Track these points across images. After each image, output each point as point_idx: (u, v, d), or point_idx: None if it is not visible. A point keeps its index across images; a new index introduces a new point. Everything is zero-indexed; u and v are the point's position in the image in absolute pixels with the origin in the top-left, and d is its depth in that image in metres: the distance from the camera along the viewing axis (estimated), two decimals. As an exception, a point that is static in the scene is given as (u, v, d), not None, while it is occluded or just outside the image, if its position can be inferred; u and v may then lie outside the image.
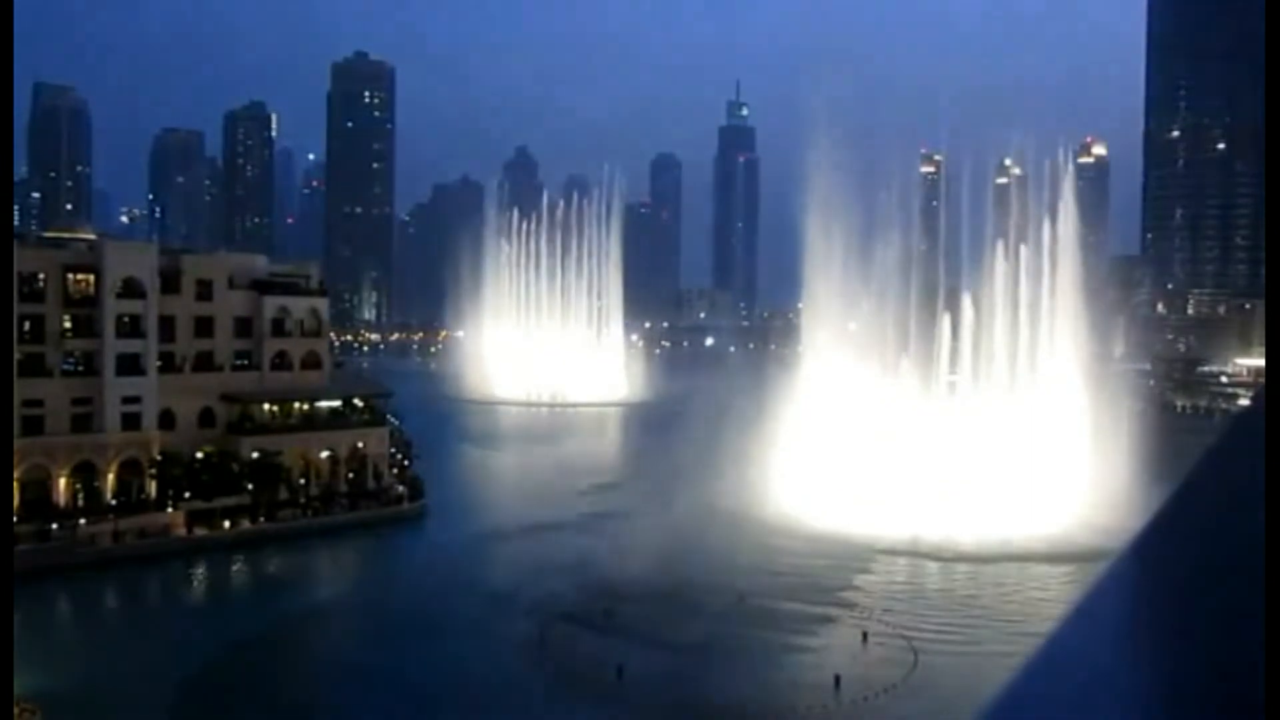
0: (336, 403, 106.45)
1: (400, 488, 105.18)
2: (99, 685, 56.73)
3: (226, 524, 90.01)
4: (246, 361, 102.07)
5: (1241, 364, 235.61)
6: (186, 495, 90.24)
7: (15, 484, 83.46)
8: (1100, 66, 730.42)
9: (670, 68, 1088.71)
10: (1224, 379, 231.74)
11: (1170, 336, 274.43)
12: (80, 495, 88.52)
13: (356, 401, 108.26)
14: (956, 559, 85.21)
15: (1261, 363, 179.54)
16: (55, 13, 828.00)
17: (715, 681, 58.52)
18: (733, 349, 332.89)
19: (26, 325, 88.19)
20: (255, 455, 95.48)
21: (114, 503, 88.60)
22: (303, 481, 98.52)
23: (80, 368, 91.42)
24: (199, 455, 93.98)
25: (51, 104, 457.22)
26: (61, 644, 66.39)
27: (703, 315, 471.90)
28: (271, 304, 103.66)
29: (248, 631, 67.46)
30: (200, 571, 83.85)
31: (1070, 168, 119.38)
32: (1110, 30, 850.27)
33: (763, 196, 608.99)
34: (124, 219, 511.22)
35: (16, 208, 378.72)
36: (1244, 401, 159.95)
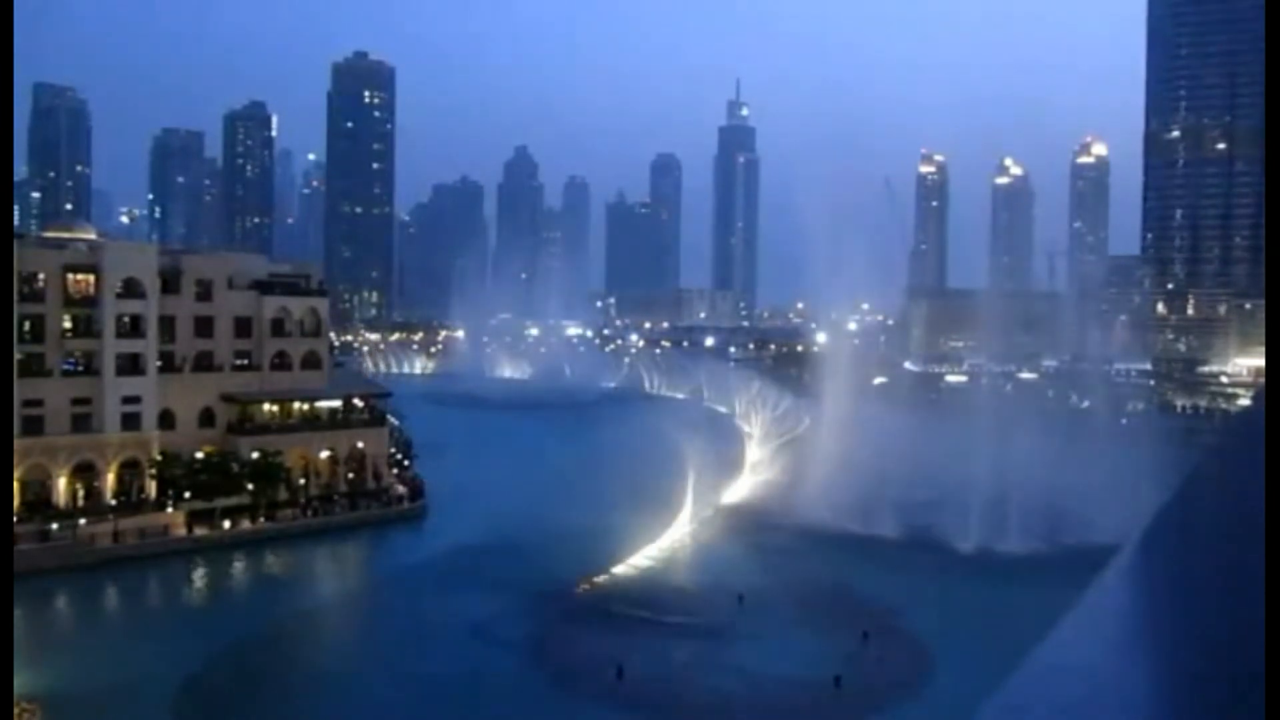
0: (336, 403, 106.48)
1: (400, 487, 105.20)
2: (99, 685, 56.69)
3: (226, 524, 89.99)
4: (246, 361, 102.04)
5: (1241, 364, 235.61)
6: (186, 495, 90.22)
7: (15, 484, 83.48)
8: (1100, 66, 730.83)
9: (670, 68, 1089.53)
10: (1224, 379, 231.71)
11: (1170, 336, 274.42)
12: (80, 495, 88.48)
13: (356, 401, 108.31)
14: (956, 561, 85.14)
15: (1261, 363, 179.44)
16: (55, 13, 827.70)
17: (715, 681, 58.58)
18: (733, 349, 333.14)
19: (26, 325, 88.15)
20: (255, 455, 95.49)
21: (114, 503, 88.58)
22: (303, 481, 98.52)
23: (80, 368, 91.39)
24: (199, 455, 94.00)
25: (51, 104, 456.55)
26: (61, 644, 66.35)
27: (703, 315, 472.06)
28: (271, 304, 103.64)
29: (248, 632, 67.46)
30: (200, 571, 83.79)
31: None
32: (1110, 30, 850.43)
33: (763, 196, 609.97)
34: (124, 219, 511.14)
35: (16, 208, 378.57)
36: (1244, 401, 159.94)
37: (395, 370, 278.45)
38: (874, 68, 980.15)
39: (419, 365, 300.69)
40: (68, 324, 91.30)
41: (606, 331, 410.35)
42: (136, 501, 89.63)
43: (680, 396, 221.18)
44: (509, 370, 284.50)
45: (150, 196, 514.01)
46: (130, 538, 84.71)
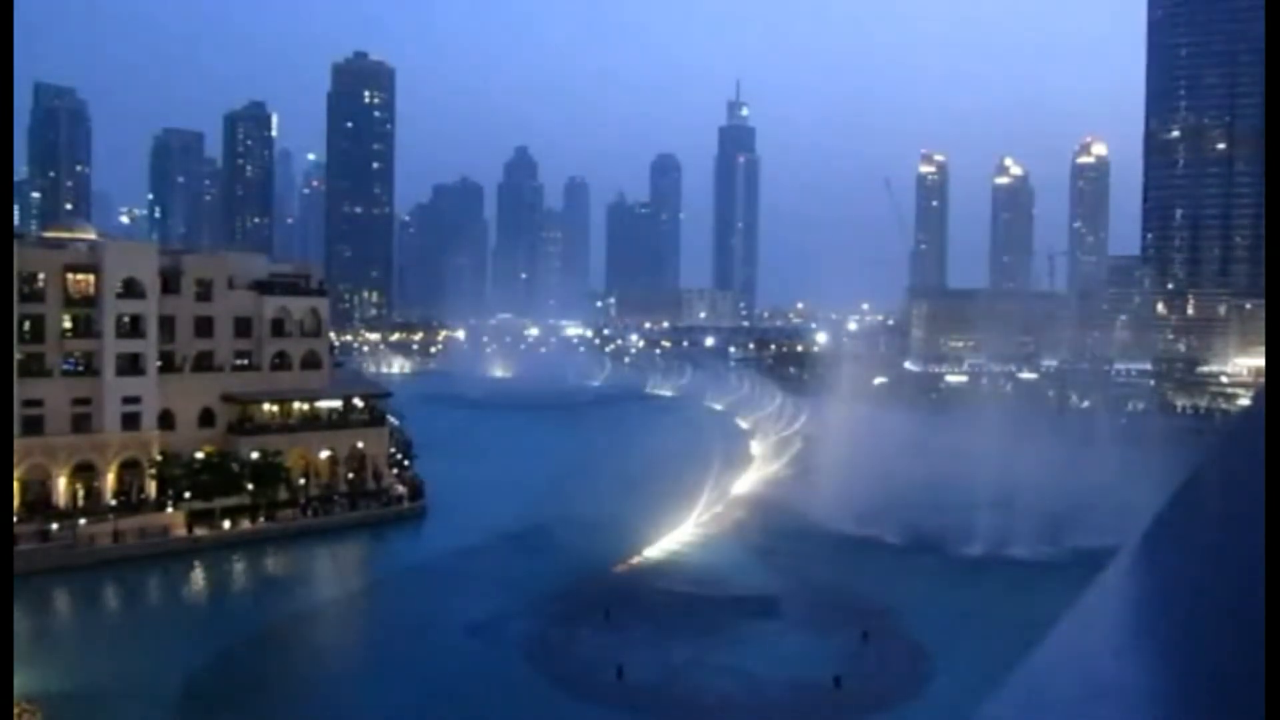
0: (336, 403, 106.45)
1: (400, 487, 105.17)
2: (99, 685, 56.71)
3: (226, 524, 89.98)
4: (246, 361, 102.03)
5: (1241, 364, 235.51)
6: (186, 495, 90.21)
7: (15, 484, 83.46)
8: (1100, 66, 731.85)
9: (670, 68, 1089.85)
10: (1224, 379, 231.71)
11: (1170, 337, 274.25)
12: (80, 495, 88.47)
13: (356, 401, 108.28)
14: (955, 561, 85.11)
15: (1261, 363, 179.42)
16: (55, 13, 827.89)
17: (715, 681, 58.57)
18: (733, 349, 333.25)
19: (26, 325, 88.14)
20: (255, 455, 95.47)
21: (114, 503, 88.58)
22: (303, 481, 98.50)
23: (80, 368, 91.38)
24: (199, 455, 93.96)
25: (51, 104, 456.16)
26: (61, 644, 66.34)
27: (703, 315, 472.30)
28: (271, 304, 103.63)
29: (248, 632, 67.45)
30: (200, 572, 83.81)
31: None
32: (1110, 30, 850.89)
33: (763, 196, 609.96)
34: (124, 219, 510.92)
35: (16, 208, 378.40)
36: (1244, 401, 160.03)
37: (394, 370, 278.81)
38: (874, 69, 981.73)
39: (414, 364, 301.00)
40: (68, 324, 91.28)
41: (606, 331, 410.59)
42: (136, 502, 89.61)
43: (680, 396, 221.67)
44: (509, 370, 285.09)
45: (150, 196, 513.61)
46: (130, 538, 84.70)
